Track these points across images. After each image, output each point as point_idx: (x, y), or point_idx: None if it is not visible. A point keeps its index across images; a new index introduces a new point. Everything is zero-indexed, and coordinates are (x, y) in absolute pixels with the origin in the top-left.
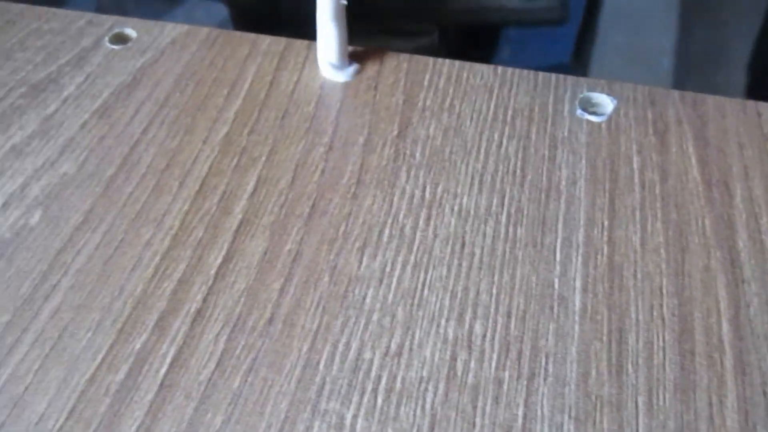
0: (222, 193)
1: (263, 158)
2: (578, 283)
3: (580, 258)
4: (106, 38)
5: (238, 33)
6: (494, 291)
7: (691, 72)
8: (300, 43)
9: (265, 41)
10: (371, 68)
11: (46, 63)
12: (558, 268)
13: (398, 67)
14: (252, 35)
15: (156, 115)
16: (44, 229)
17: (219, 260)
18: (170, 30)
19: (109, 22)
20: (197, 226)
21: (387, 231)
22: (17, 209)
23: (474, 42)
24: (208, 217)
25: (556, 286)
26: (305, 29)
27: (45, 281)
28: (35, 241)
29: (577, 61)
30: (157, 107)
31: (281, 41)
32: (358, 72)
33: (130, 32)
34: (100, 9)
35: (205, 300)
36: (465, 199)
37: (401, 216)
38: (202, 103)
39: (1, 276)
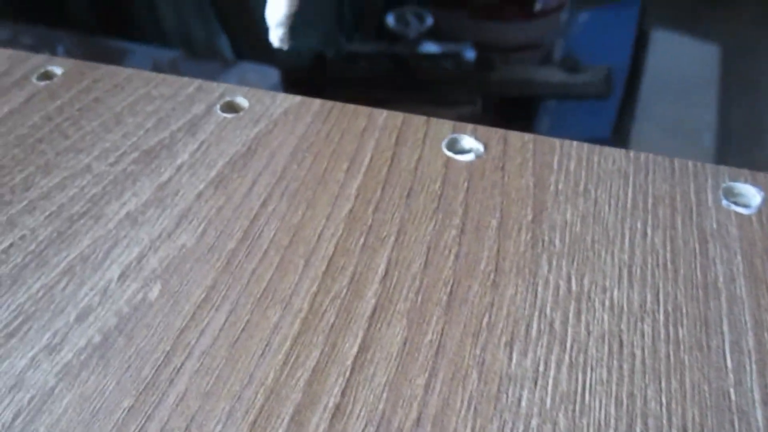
0: (351, 275)
1: (392, 238)
2: (757, 396)
3: (754, 366)
4: (218, 106)
5: (352, 106)
6: (663, 399)
7: (732, 147)
8: (418, 119)
9: (381, 115)
10: (495, 148)
11: (158, 129)
12: (731, 376)
13: (524, 147)
14: (367, 109)
15: (274, 187)
16: (164, 304)
17: (355, 349)
18: (282, 100)
19: (220, 89)
20: (328, 310)
21: (535, 325)
22: (135, 282)
23: (514, 111)
24: (339, 300)
25: (733, 397)
26: (352, 92)
27: (168, 363)
28: (155, 317)
29: (617, 134)
30: (275, 179)
31: (398, 116)
32: (483, 152)
33: (242, 101)
34: (156, 68)
35: (343, 394)
36: (615, 293)
37: (548, 309)
38: (321, 177)
39: (121, 355)
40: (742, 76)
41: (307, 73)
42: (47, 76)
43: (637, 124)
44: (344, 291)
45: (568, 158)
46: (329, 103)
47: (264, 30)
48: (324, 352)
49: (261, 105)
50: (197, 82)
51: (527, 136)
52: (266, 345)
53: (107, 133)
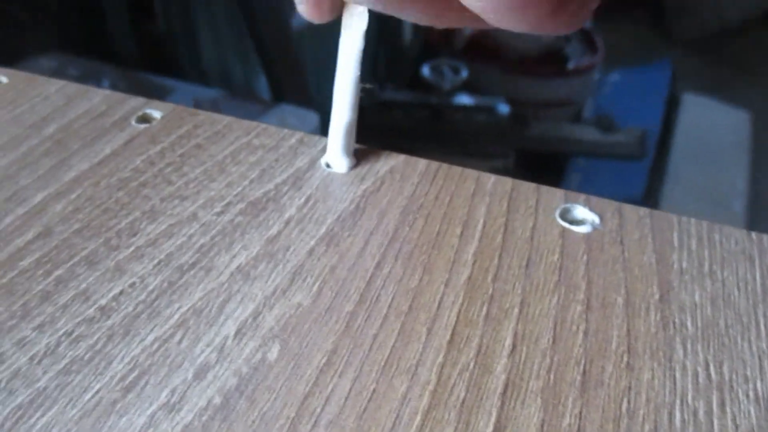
0: (478, 347)
1: (515, 310)
2: None
3: None
4: (322, 161)
5: (459, 168)
6: None
7: (762, 215)
8: (527, 186)
9: (490, 180)
10: (611, 221)
11: (262, 180)
12: None
13: (641, 222)
14: (474, 172)
15: (387, 248)
16: (285, 366)
17: (490, 429)
18: (386, 158)
19: (322, 143)
20: (457, 384)
21: (678, 414)
22: (252, 340)
23: (545, 167)
24: (467, 373)
25: None
26: (387, 139)
27: (294, 431)
28: (277, 380)
29: (648, 195)
30: (387, 240)
31: (507, 181)
32: (599, 223)
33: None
34: (197, 107)
35: None
36: (759, 385)
37: (689, 397)
38: (435, 241)
39: (244, 419)
40: None
41: None
42: (146, 119)
43: (668, 186)
44: (472, 364)
45: (688, 236)
46: (434, 164)
47: (305, 72)
48: (458, 429)
49: (365, 161)
50: (298, 134)
51: (642, 210)
52: (396, 417)
53: (211, 181)
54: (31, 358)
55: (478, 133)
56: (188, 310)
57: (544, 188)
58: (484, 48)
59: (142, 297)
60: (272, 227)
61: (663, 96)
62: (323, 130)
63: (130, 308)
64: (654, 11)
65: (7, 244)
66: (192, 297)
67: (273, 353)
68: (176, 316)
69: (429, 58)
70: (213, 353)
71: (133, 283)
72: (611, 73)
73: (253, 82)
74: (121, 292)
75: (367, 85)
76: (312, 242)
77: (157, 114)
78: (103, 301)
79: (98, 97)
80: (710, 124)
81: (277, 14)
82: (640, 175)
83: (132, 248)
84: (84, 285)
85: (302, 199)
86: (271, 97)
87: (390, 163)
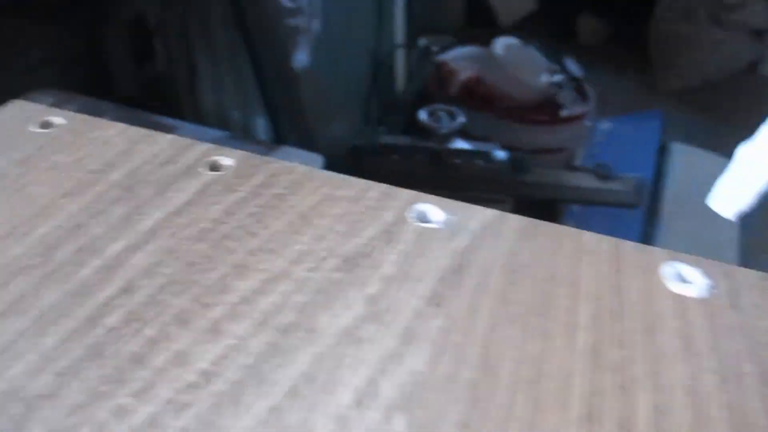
0: (618, 420)
1: (647, 380)
2: None
3: None
4: (408, 213)
5: (552, 225)
6: None
7: (753, 261)
8: (627, 244)
9: (584, 236)
10: (723, 282)
11: (352, 234)
12: None
13: (755, 286)
14: (570, 229)
15: (498, 310)
16: None
17: None
18: (476, 212)
19: (405, 195)
20: None
21: None
22: (373, 410)
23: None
24: None
25: None
26: (385, 182)
27: None
28: None
29: (644, 244)
30: (496, 302)
31: (604, 240)
32: (709, 285)
33: (434, 210)
34: None
35: None
36: None
37: None
38: (546, 302)
39: None
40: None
41: (344, 161)
42: (216, 166)
43: (661, 234)
44: None
45: None
46: (526, 220)
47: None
48: None
49: (457, 217)
50: (382, 186)
51: (755, 274)
52: None
53: (297, 234)
54: (130, 430)
55: (476, 178)
56: (299, 376)
57: (648, 248)
58: (478, 94)
59: (246, 361)
60: (370, 285)
61: (655, 144)
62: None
63: (235, 373)
64: (640, 64)
65: (87, 298)
66: (299, 362)
67: (400, 426)
68: (286, 383)
69: (424, 103)
70: (334, 425)
71: (234, 345)
72: (602, 121)
73: (252, 123)
74: (221, 356)
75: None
76: (416, 302)
77: (227, 161)
78: (203, 365)
79: (163, 141)
80: (699, 173)
81: (279, 55)
82: (635, 223)
83: (226, 306)
84: (179, 346)
85: (396, 255)
86: (271, 139)
87: (481, 219)
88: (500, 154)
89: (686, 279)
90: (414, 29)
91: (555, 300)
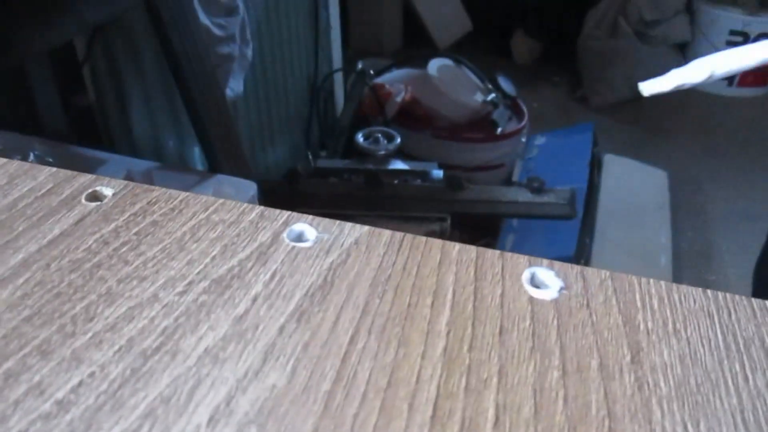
0: (461, 420)
1: (494, 380)
2: None
3: None
4: (284, 234)
5: (423, 238)
6: None
7: (685, 268)
8: (492, 253)
9: (455, 248)
10: (575, 285)
11: (225, 256)
12: None
13: (603, 284)
14: (438, 241)
15: (360, 322)
16: None
17: None
18: (350, 229)
19: (283, 217)
20: None
21: None
22: (227, 427)
23: (480, 228)
24: None
25: None
26: (323, 205)
27: None
28: None
29: (580, 253)
30: (358, 314)
31: (471, 249)
32: (563, 287)
33: (309, 230)
34: (129, 178)
35: None
36: None
37: None
38: (407, 312)
39: None
40: (690, 202)
41: (281, 186)
42: (97, 197)
43: (597, 243)
44: None
45: (649, 296)
46: (399, 234)
47: (240, 142)
48: None
49: (329, 234)
50: (258, 208)
51: (603, 273)
52: None
53: (171, 259)
54: None
55: (414, 197)
56: (155, 398)
57: (507, 254)
58: (415, 115)
59: (104, 387)
60: (239, 305)
61: (587, 156)
62: (260, 199)
63: (91, 400)
64: (571, 80)
65: None
66: (158, 384)
67: None
68: (142, 406)
69: (363, 126)
70: None
71: (93, 373)
72: (536, 135)
73: (186, 153)
74: (80, 383)
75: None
76: (282, 319)
77: (108, 191)
78: (59, 395)
79: (43, 174)
80: (631, 183)
81: (210, 83)
82: (571, 234)
83: (89, 334)
84: (38, 377)
85: (268, 275)
86: (206, 168)
87: (354, 234)
88: (437, 173)
89: (542, 283)
90: (351, 53)
91: (416, 309)
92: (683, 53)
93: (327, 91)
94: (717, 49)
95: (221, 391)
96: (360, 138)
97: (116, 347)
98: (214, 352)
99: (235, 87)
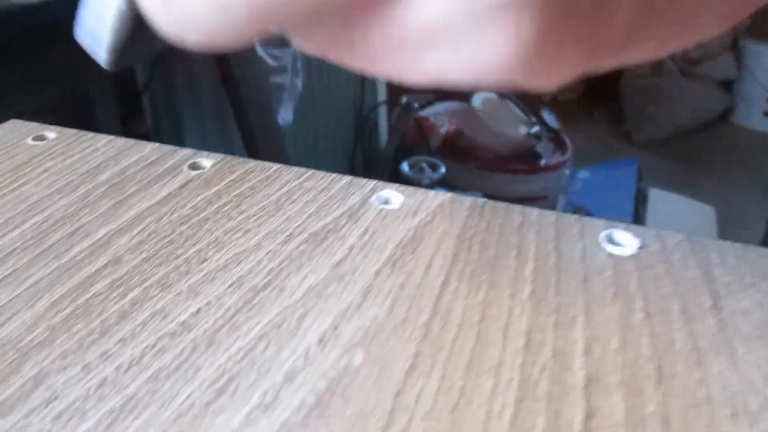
0: (553, 350)
1: (581, 318)
2: None
3: None
4: (372, 198)
5: (503, 203)
6: None
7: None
8: (570, 217)
9: (534, 213)
10: (653, 244)
11: (319, 215)
12: None
13: (679, 244)
14: (518, 206)
15: (450, 269)
16: (372, 370)
17: (581, 416)
18: (434, 196)
19: (370, 185)
20: (540, 380)
21: (753, 401)
22: (335, 348)
23: None
24: (548, 371)
25: None
26: None
27: (392, 424)
28: (365, 381)
29: None
30: (448, 262)
31: (550, 214)
32: (641, 247)
33: (396, 195)
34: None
35: None
36: None
37: (760, 385)
38: (494, 263)
39: (340, 415)
40: (737, 236)
41: None
42: (197, 166)
43: None
44: (551, 363)
45: (725, 254)
46: (480, 200)
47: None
48: (548, 418)
49: (414, 199)
50: (347, 177)
51: (679, 235)
52: (488, 410)
53: (270, 217)
54: (117, 368)
55: None
56: (267, 323)
57: (585, 218)
58: (459, 147)
59: (220, 313)
60: (336, 253)
61: (632, 190)
62: None
63: (210, 323)
64: (614, 115)
65: (78, 270)
66: (269, 313)
67: (358, 359)
68: (256, 330)
69: (407, 156)
70: (299, 360)
71: (209, 302)
72: (580, 170)
73: None
74: (198, 310)
75: None
76: (378, 265)
77: (207, 162)
78: (182, 318)
79: (147, 148)
80: (678, 218)
81: (264, 112)
82: None
83: (203, 272)
84: (160, 304)
85: (361, 230)
86: None
87: (438, 200)
88: None
89: (620, 242)
90: (395, 85)
91: (502, 260)
92: (728, 90)
93: (372, 122)
94: (763, 87)
95: (327, 320)
96: (405, 167)
97: (228, 283)
98: (317, 289)
99: (285, 116)
